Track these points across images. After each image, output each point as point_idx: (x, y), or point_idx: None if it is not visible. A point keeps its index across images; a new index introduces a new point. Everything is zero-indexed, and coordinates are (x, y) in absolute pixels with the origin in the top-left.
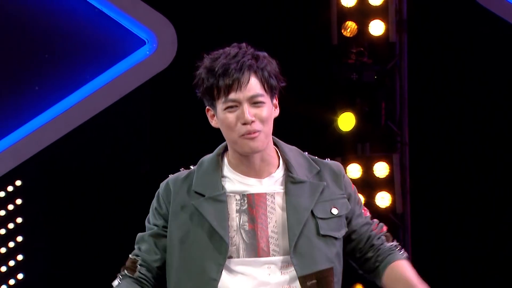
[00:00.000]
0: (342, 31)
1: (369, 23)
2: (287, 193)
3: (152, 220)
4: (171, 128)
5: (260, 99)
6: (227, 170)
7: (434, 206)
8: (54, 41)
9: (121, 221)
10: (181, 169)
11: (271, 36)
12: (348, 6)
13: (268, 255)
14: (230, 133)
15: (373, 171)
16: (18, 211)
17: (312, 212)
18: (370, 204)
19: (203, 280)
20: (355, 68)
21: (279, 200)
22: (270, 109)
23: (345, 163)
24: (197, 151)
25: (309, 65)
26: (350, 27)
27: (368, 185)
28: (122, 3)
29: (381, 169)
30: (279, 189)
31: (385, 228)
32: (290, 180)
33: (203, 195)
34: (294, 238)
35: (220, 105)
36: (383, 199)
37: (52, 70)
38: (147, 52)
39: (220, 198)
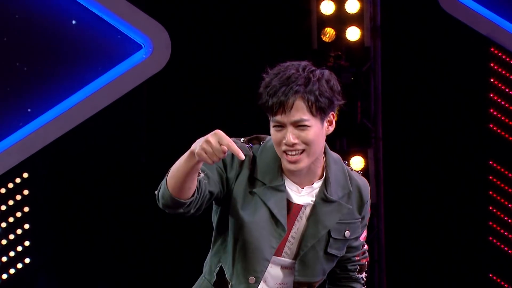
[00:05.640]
0: (322, 36)
1: (346, 29)
2: (315, 206)
3: (220, 167)
4: (166, 125)
5: (304, 123)
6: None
7: (405, 196)
8: (59, 45)
9: (120, 210)
10: (242, 139)
11: (257, 41)
12: (327, 14)
13: (279, 255)
14: (277, 148)
15: (349, 164)
16: (25, 201)
17: (329, 232)
18: None
19: (256, 257)
20: (333, 71)
21: (307, 211)
22: (317, 131)
23: None
24: (189, 146)
25: None
26: (329, 33)
27: None
28: (120, 10)
29: (357, 163)
30: (311, 201)
31: (365, 260)
32: (322, 196)
33: (264, 183)
34: (305, 248)
35: (270, 121)
36: None
37: (56, 72)
38: (143, 56)
39: (280, 188)
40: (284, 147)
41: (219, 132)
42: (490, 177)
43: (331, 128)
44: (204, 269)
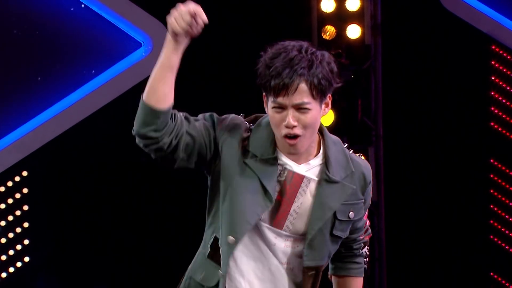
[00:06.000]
0: (322, 34)
1: (347, 27)
2: (319, 187)
3: (208, 123)
4: None
5: (306, 106)
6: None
7: (406, 195)
8: (58, 43)
9: (119, 209)
10: (241, 115)
11: (257, 39)
12: (327, 12)
13: (280, 228)
14: (275, 129)
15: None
16: (24, 199)
17: (335, 213)
18: None
19: (239, 219)
20: None
21: (312, 187)
22: (316, 114)
23: None
24: None
25: None
26: (329, 31)
27: None
28: (120, 8)
29: None
30: (315, 177)
31: (368, 237)
32: (325, 177)
33: (256, 156)
34: (312, 232)
35: (269, 102)
36: None
37: (56, 70)
38: (143, 54)
39: (272, 162)
40: (284, 130)
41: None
42: (491, 176)
43: (327, 110)
44: (202, 243)
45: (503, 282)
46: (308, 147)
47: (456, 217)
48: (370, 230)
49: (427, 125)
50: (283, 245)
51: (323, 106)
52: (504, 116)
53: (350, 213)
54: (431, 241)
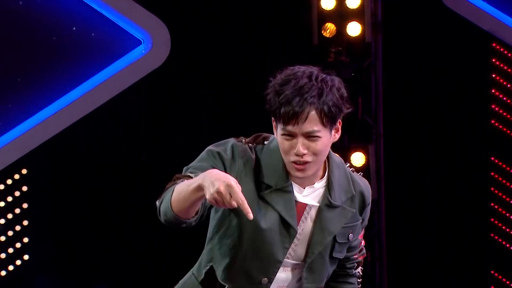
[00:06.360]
0: (322, 32)
1: (347, 24)
2: (320, 212)
3: (211, 163)
4: (165, 121)
5: (316, 134)
6: None
7: (406, 193)
8: (57, 41)
9: (119, 207)
10: (241, 139)
11: (257, 37)
12: (328, 9)
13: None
14: (284, 156)
15: (350, 160)
16: (24, 197)
17: (335, 237)
18: None
19: (268, 260)
20: (334, 66)
21: (313, 213)
22: (326, 141)
23: None
24: (189, 142)
25: (292, 63)
26: (330, 29)
27: None
28: (119, 5)
29: (358, 159)
30: (316, 203)
31: (362, 257)
32: (326, 202)
33: (270, 186)
34: (312, 256)
35: (279, 128)
36: None
37: (55, 67)
38: (143, 51)
39: (287, 189)
40: (293, 158)
41: (231, 185)
42: (492, 174)
43: (337, 136)
44: (196, 264)
45: (504, 280)
46: (315, 171)
47: (456, 215)
48: (364, 251)
49: (427, 123)
50: (283, 269)
51: (333, 132)
52: (504, 114)
53: (350, 235)
54: (432, 239)
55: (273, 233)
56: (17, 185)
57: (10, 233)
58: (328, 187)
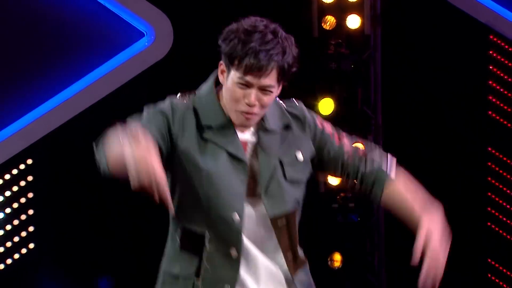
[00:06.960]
0: (322, 24)
1: (347, 17)
2: (259, 140)
3: (158, 123)
4: None
5: (270, 89)
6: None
7: None
8: (60, 33)
9: (124, 197)
10: (177, 95)
11: None
12: (328, 2)
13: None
14: (232, 103)
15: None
16: (29, 187)
17: (279, 159)
18: None
19: (232, 197)
20: (334, 58)
21: (252, 148)
22: (274, 95)
23: None
24: None
25: None
26: (330, 21)
27: None
28: None
29: None
30: (254, 138)
31: (361, 152)
32: (262, 128)
33: (211, 127)
34: (265, 181)
35: (234, 75)
36: None
37: (59, 59)
38: (146, 44)
39: (228, 125)
40: (244, 107)
41: (156, 180)
42: (489, 164)
43: (279, 89)
44: (168, 238)
45: (501, 268)
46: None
47: (454, 205)
48: (360, 146)
49: (425, 114)
50: (249, 206)
51: (278, 90)
52: (502, 105)
53: (298, 155)
54: None
55: (226, 170)
56: (22, 175)
57: (15, 222)
58: (262, 119)
